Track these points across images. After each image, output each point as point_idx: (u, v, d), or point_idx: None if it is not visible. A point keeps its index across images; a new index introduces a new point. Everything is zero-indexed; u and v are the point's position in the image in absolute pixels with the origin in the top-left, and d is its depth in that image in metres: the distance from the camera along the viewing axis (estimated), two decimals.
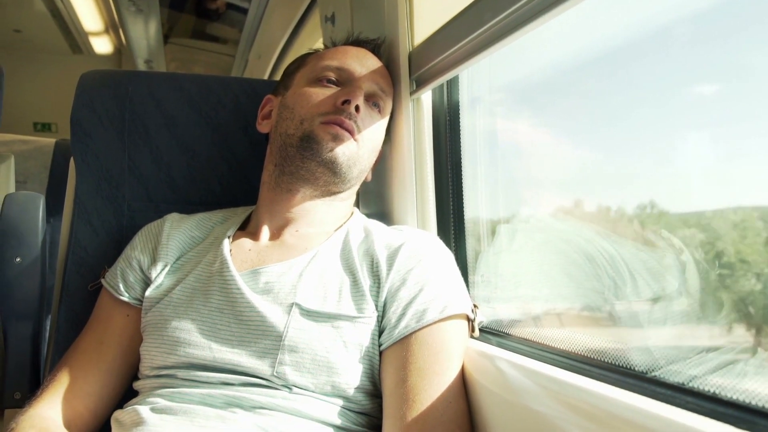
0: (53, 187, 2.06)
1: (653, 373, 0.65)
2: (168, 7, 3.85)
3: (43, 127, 5.53)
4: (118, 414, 0.90)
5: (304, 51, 1.20)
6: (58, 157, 2.13)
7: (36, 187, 2.15)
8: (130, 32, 3.87)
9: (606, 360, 0.73)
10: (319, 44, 1.30)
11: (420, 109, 1.13)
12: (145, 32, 3.90)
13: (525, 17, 0.80)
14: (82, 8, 4.21)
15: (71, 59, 5.34)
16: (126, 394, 1.00)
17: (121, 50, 5.34)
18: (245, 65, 3.88)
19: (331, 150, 0.97)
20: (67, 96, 1.21)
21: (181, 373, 0.89)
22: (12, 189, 1.94)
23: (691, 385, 0.60)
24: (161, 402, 0.86)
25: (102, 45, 5.18)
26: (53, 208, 1.88)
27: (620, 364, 0.70)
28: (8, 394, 1.13)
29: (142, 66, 4.58)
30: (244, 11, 3.34)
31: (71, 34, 4.77)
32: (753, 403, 0.53)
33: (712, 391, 0.58)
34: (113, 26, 4.65)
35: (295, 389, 0.85)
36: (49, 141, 2.26)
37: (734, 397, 0.55)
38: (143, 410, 0.85)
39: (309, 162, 0.98)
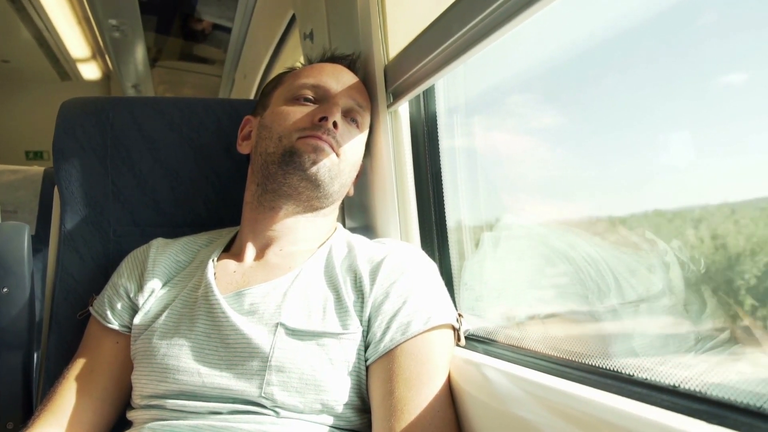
0: (43, 215, 2.06)
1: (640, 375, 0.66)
2: (154, 31, 3.87)
3: (35, 156, 5.54)
4: None
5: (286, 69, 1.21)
6: (47, 186, 2.13)
7: (26, 216, 2.15)
8: (117, 58, 3.89)
9: (590, 363, 0.73)
10: (299, 62, 1.31)
11: (398, 121, 1.14)
12: (131, 57, 3.92)
13: (491, 25, 0.81)
14: (68, 35, 4.24)
15: (60, 86, 5.36)
16: (118, 421, 1.00)
17: (110, 75, 5.36)
18: (232, 85, 3.89)
19: (314, 162, 0.98)
20: None
21: (170, 403, 0.89)
22: None
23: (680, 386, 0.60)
24: None
25: (90, 71, 5.21)
26: (44, 237, 1.88)
27: (604, 366, 0.71)
28: (1, 424, 1.13)
29: (130, 90, 4.60)
30: (229, 30, 3.36)
31: (59, 61, 4.80)
32: (725, 398, 0.54)
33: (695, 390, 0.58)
34: (100, 52, 4.68)
35: (282, 413, 0.85)
36: (38, 170, 2.26)
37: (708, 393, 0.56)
38: None
39: (291, 177, 0.99)
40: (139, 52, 3.84)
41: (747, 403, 0.52)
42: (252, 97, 3.19)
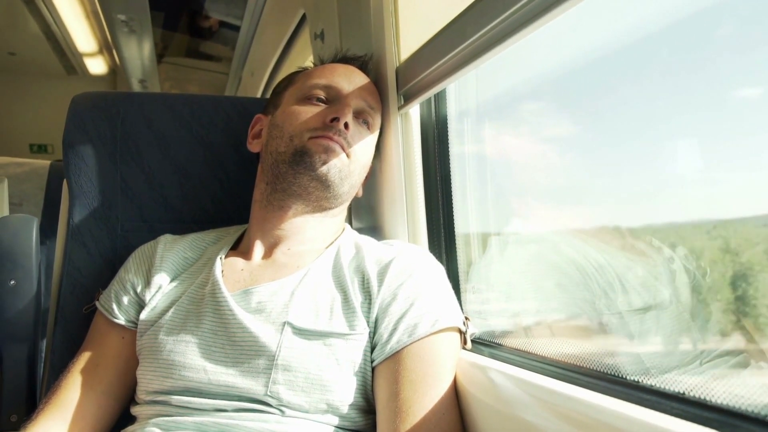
0: (49, 208, 2.06)
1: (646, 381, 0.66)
2: (161, 27, 3.88)
3: (40, 149, 5.55)
4: None
5: (295, 68, 1.21)
6: (53, 179, 2.13)
7: (32, 209, 2.15)
8: (124, 53, 3.89)
9: (597, 368, 0.73)
10: (310, 61, 1.32)
11: (408, 123, 1.14)
12: (138, 52, 3.92)
13: (506, 31, 0.81)
14: (76, 29, 4.25)
15: (66, 80, 5.37)
16: (122, 416, 1.00)
17: (116, 70, 5.37)
18: (239, 83, 3.89)
19: (324, 162, 0.98)
20: (62, 117, 1.22)
21: (175, 400, 0.89)
22: (6, 212, 1.95)
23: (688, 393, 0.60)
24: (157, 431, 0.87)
25: (96, 66, 5.21)
26: (49, 230, 1.88)
27: (611, 373, 0.71)
28: (4, 416, 1.13)
29: (136, 86, 4.61)
30: (237, 29, 3.36)
31: (65, 55, 4.80)
32: (735, 406, 0.54)
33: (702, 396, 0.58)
34: (107, 47, 4.68)
35: (288, 412, 0.85)
36: (44, 163, 2.26)
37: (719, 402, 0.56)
38: None
39: (302, 177, 0.99)
40: (147, 48, 3.84)
41: (757, 413, 0.52)
42: (259, 95, 3.19)
